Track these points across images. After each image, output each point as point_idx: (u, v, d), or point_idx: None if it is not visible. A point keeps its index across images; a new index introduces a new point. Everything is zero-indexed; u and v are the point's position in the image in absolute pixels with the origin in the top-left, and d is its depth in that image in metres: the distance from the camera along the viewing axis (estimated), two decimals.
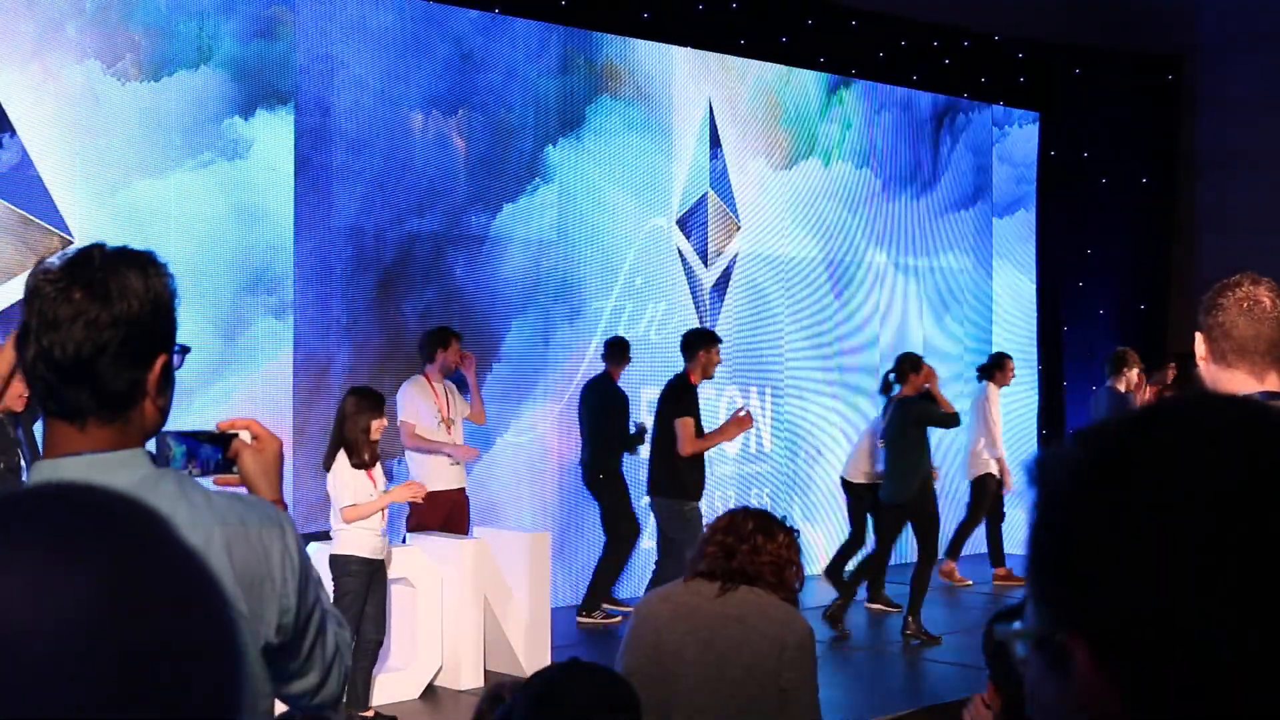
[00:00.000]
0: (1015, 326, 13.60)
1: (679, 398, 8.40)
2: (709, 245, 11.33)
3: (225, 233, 8.63)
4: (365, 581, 6.87)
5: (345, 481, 6.80)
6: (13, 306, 7.59)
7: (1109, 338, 12.78)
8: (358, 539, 6.84)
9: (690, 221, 11.22)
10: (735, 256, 11.51)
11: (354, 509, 6.76)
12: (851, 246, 12.32)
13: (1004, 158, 13.61)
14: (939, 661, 8.34)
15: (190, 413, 7.63)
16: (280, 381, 8.85)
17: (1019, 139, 13.63)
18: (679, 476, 8.35)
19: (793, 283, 11.89)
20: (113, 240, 1.93)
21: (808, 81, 12.00)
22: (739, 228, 11.54)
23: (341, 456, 6.81)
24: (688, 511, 8.35)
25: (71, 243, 7.76)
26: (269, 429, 2.18)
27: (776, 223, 11.79)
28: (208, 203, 8.55)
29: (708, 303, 11.30)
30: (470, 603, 7.72)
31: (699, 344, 8.51)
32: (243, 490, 2.12)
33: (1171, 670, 0.82)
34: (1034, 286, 13.62)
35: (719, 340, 8.64)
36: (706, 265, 11.31)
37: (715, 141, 11.36)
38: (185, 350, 1.99)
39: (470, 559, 7.77)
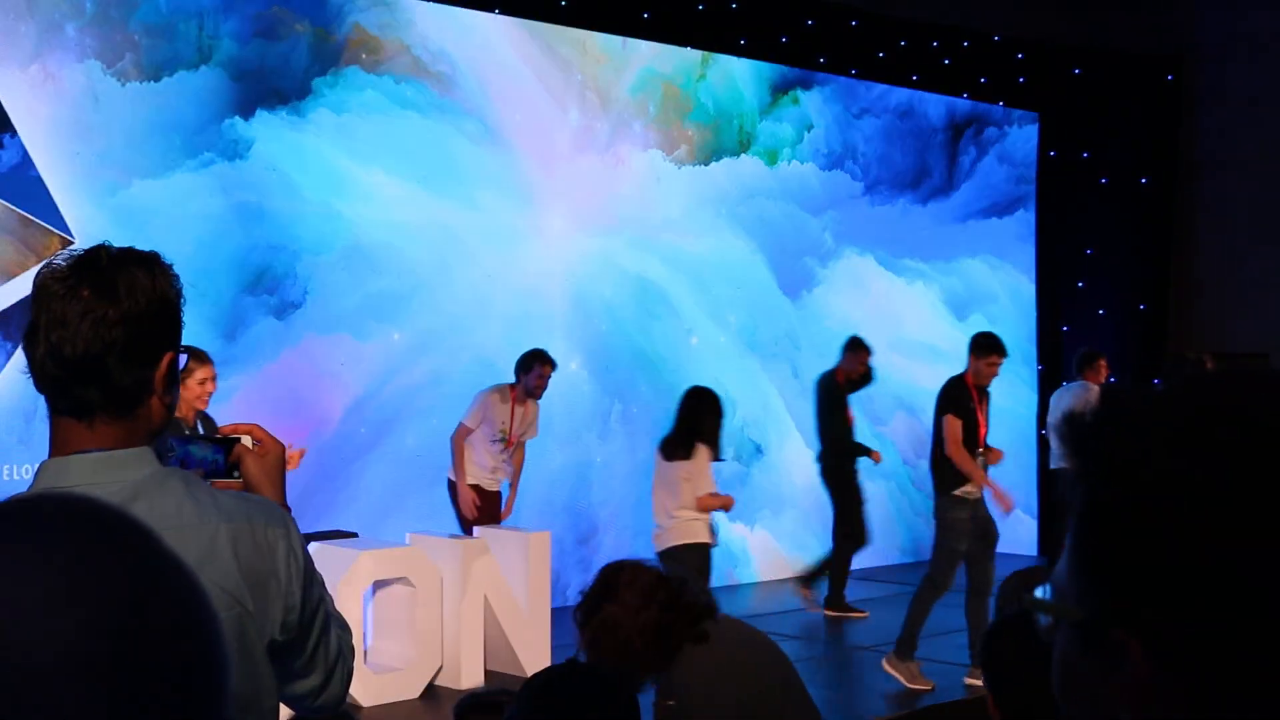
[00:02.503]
0: (1015, 326, 13.58)
1: (948, 395, 8.09)
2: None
3: (225, 233, 8.63)
4: (699, 565, 7.25)
5: (709, 474, 7.32)
6: (13, 306, 7.59)
7: (1109, 338, 12.78)
8: (699, 529, 7.29)
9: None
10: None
11: (712, 498, 7.30)
12: (851, 247, 12.32)
13: (1004, 158, 13.60)
14: (939, 661, 8.33)
15: None
16: (280, 382, 8.85)
17: (1019, 139, 13.62)
18: (943, 474, 7.99)
19: (792, 282, 11.88)
20: (113, 241, 1.94)
21: (807, 81, 12.00)
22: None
23: (703, 450, 7.28)
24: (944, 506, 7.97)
25: (72, 243, 7.76)
26: (271, 433, 2.18)
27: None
28: (208, 203, 8.55)
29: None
30: (470, 603, 7.72)
31: (980, 350, 8.08)
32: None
33: (1242, 668, 0.78)
34: (1034, 286, 13.61)
35: (1002, 354, 8.13)
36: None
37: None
38: (183, 352, 2.00)
39: (470, 559, 7.77)
